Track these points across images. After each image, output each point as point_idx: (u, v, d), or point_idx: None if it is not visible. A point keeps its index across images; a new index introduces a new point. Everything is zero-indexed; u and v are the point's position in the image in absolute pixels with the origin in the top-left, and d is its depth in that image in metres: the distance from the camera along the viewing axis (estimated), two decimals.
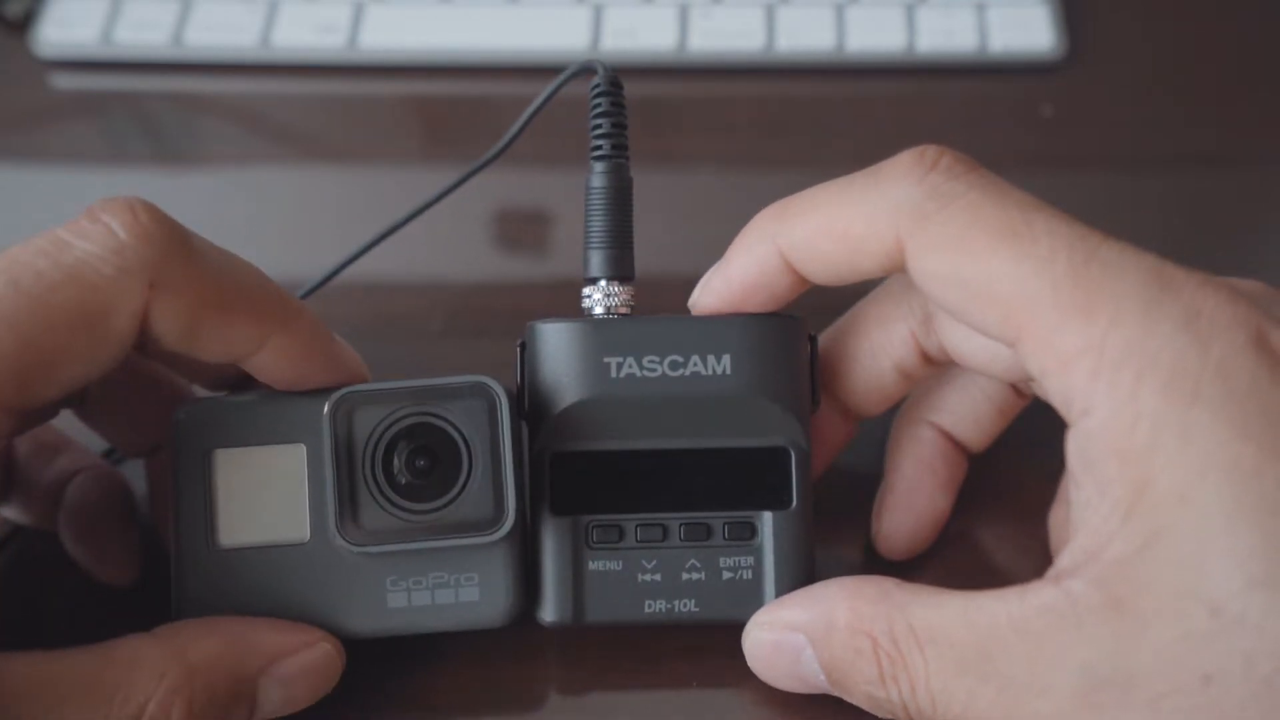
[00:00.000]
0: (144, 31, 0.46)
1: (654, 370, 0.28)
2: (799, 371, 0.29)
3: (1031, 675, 0.23)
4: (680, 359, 0.28)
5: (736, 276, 0.28)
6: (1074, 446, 0.24)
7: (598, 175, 0.30)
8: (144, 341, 0.26)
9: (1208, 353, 0.22)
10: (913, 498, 0.32)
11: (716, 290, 0.29)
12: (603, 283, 0.29)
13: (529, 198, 0.42)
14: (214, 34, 0.46)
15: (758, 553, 0.28)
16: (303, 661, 0.27)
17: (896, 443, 0.32)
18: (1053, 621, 0.23)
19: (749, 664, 0.28)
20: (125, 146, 0.45)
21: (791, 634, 0.27)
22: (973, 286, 0.25)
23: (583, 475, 0.29)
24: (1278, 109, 0.45)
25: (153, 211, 0.25)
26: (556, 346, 0.28)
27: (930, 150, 0.26)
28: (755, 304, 0.28)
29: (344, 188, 0.43)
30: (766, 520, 0.28)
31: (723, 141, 0.44)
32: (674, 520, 0.29)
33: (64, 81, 0.47)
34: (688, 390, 0.28)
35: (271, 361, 0.27)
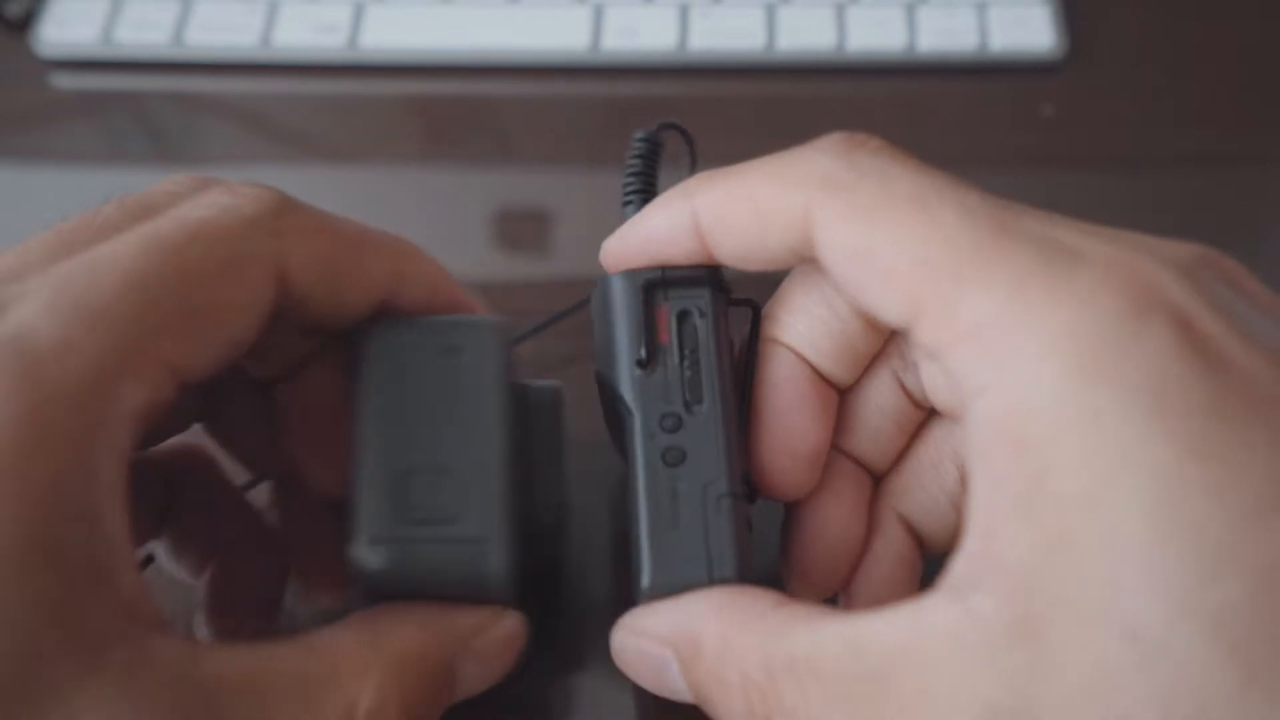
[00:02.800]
0: (144, 31, 0.46)
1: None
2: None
3: (926, 706, 0.20)
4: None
5: (647, 232, 0.27)
6: (970, 433, 0.21)
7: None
8: (288, 300, 0.25)
9: (1121, 331, 0.20)
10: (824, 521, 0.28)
11: (624, 241, 0.27)
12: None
13: (529, 198, 0.43)
14: (214, 34, 0.46)
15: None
16: (497, 635, 0.26)
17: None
18: (953, 646, 0.20)
19: (616, 663, 0.26)
20: (125, 146, 0.45)
21: (657, 647, 0.24)
22: (873, 258, 0.23)
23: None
24: (1278, 109, 0.45)
25: (244, 183, 0.25)
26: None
27: (860, 134, 0.24)
28: (655, 262, 0.27)
29: (344, 188, 0.43)
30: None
31: (723, 141, 0.44)
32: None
33: (64, 81, 0.47)
34: None
35: (412, 293, 0.26)
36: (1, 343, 0.20)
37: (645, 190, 0.31)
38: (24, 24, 0.47)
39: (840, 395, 0.28)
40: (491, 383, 0.26)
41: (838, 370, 0.27)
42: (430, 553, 0.25)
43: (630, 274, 0.27)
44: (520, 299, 0.39)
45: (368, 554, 0.25)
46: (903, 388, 0.27)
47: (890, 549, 0.28)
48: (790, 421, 0.27)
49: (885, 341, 0.27)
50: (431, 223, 0.42)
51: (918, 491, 0.28)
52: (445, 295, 0.27)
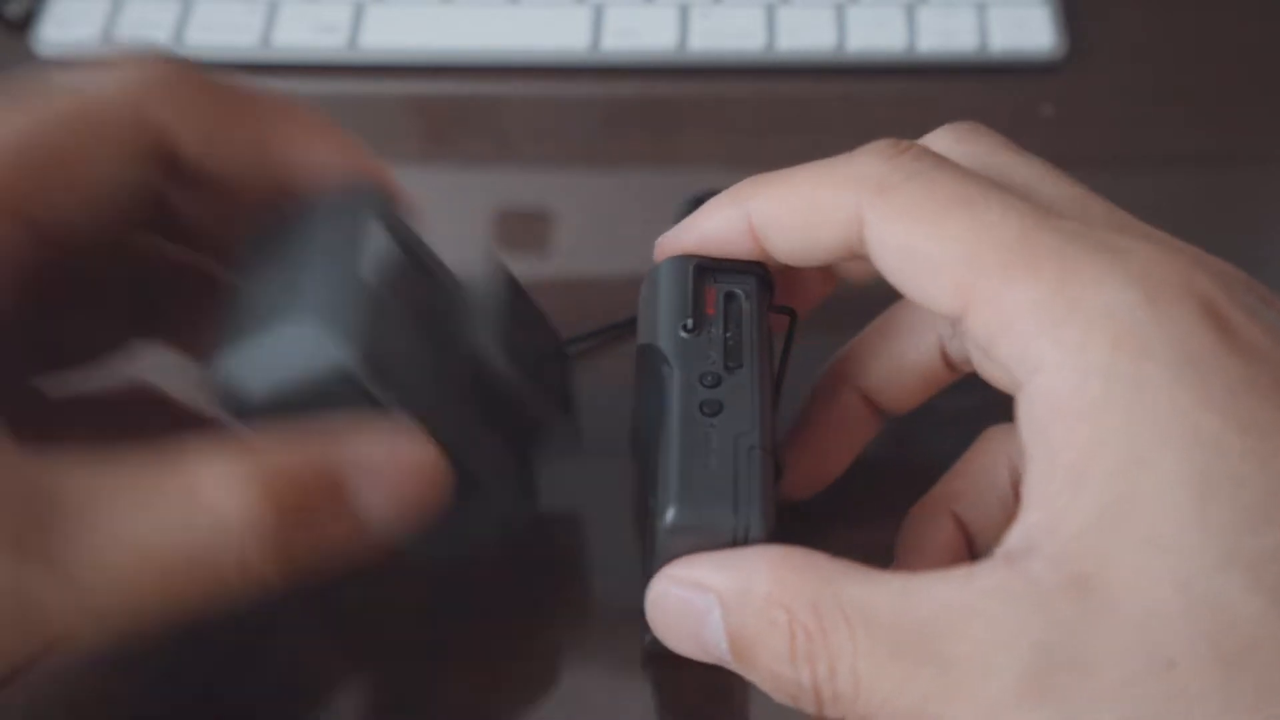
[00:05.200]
0: (144, 31, 0.46)
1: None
2: None
3: (976, 659, 0.21)
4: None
5: (701, 232, 0.28)
6: (1023, 411, 0.23)
7: None
8: (164, 153, 0.25)
9: (1158, 314, 0.22)
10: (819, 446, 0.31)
11: (681, 239, 0.29)
12: None
13: (529, 198, 0.43)
14: (214, 34, 0.46)
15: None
16: (400, 456, 0.24)
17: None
18: (1007, 603, 0.21)
19: (648, 616, 0.26)
20: None
21: (701, 593, 0.24)
22: (922, 255, 0.24)
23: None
24: (1278, 109, 0.45)
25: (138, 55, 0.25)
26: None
27: (906, 141, 0.26)
28: (709, 255, 0.28)
29: None
30: None
31: (723, 141, 0.44)
32: None
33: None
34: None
35: (316, 154, 0.27)
36: None
37: None
38: (24, 24, 0.47)
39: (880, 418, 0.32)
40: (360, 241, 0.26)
41: (895, 404, 0.31)
42: (266, 347, 0.24)
43: (682, 257, 0.28)
44: None
45: (219, 374, 0.24)
46: (943, 352, 0.30)
47: (943, 545, 0.29)
48: (829, 445, 0.31)
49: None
50: (431, 223, 0.42)
51: (973, 494, 0.29)
52: (351, 162, 0.28)
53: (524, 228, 0.42)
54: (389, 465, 0.24)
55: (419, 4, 0.47)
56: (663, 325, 0.27)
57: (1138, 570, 0.21)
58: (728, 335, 0.27)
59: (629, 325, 0.37)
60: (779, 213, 0.27)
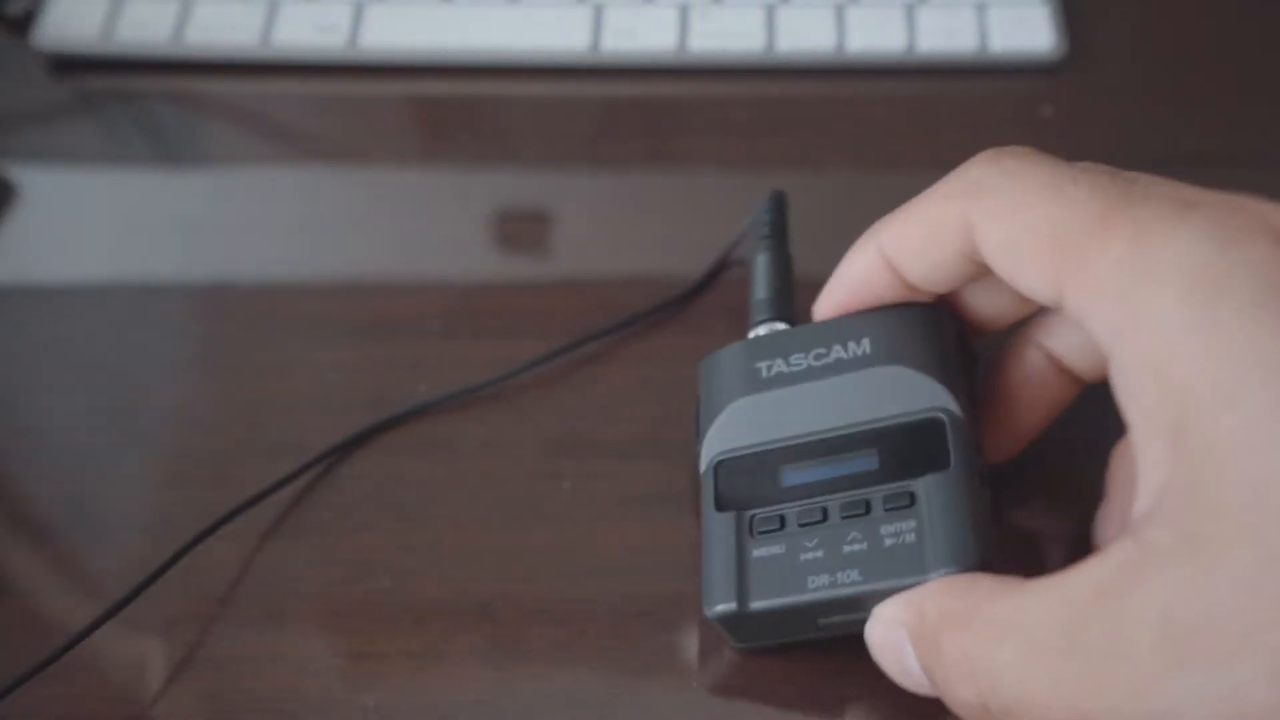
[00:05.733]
0: (144, 31, 0.46)
1: (800, 364, 0.30)
2: (941, 341, 0.29)
3: (1113, 639, 0.21)
4: (823, 350, 0.30)
5: (844, 280, 0.30)
6: (1116, 380, 0.23)
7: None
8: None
9: (1229, 255, 0.22)
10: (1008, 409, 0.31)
11: (831, 293, 0.30)
12: (766, 324, 0.32)
13: (529, 198, 0.43)
14: (214, 33, 0.46)
15: (919, 516, 0.27)
16: None
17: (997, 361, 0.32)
18: (1131, 576, 0.21)
19: (874, 659, 0.27)
20: (125, 146, 0.45)
21: (895, 629, 0.26)
22: (1020, 245, 0.25)
23: (745, 474, 0.29)
24: (1277, 109, 0.45)
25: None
26: (715, 368, 0.31)
27: (1014, 145, 0.27)
28: (864, 305, 0.30)
29: (344, 188, 0.43)
30: (924, 485, 0.28)
31: (723, 141, 0.44)
32: (834, 501, 0.28)
33: (64, 81, 0.47)
34: (833, 373, 0.29)
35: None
36: None
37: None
38: (24, 24, 0.47)
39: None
40: None
41: (1081, 367, 0.30)
42: None
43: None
44: (520, 299, 0.39)
45: None
46: None
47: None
48: (1020, 407, 0.30)
49: None
50: (431, 223, 0.42)
51: None
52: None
53: (524, 228, 0.42)
54: None
55: (419, 4, 0.47)
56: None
57: (1238, 513, 0.20)
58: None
59: (629, 325, 0.38)
60: (903, 237, 0.28)
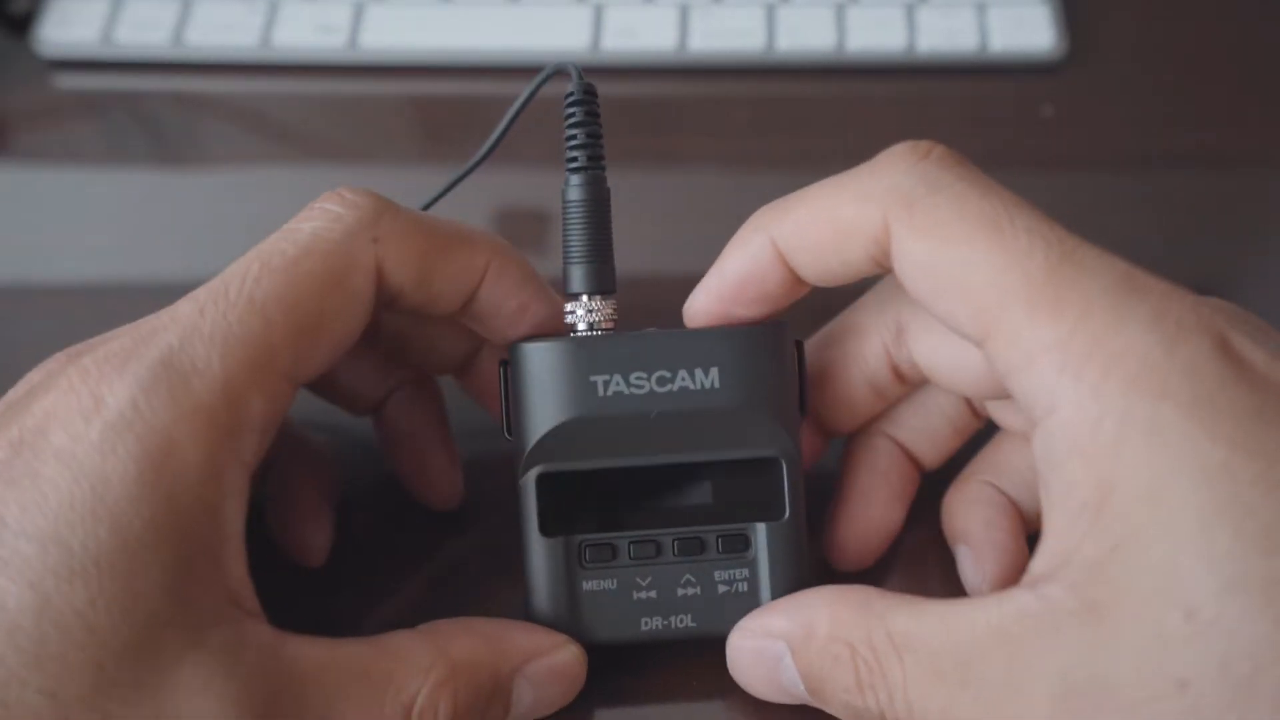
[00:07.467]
0: (144, 31, 0.46)
1: (641, 387, 0.27)
2: (787, 380, 0.28)
3: (1009, 682, 0.23)
4: (668, 374, 0.27)
5: (730, 272, 0.28)
6: (1040, 446, 0.24)
7: (574, 188, 0.29)
8: (384, 297, 0.27)
9: (1174, 353, 0.22)
10: (866, 508, 0.31)
11: (710, 287, 0.28)
12: (584, 298, 0.29)
13: (529, 197, 0.42)
14: (214, 34, 0.46)
15: (752, 565, 0.28)
16: (553, 662, 0.27)
17: (851, 453, 0.32)
18: (1030, 627, 0.23)
19: (730, 671, 0.28)
20: (125, 146, 0.45)
21: (772, 641, 0.26)
22: (949, 275, 0.24)
23: (571, 495, 0.28)
24: (1278, 109, 0.45)
25: (355, 189, 0.27)
26: (541, 366, 0.28)
27: (924, 143, 0.26)
28: (748, 301, 0.28)
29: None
30: (760, 531, 0.28)
31: (723, 141, 0.44)
32: (667, 536, 0.28)
33: (64, 81, 0.47)
34: (677, 405, 0.27)
35: (498, 290, 0.28)
36: (156, 365, 0.24)
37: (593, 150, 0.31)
38: (24, 24, 0.47)
39: (918, 472, 0.32)
40: None
41: (931, 453, 0.31)
42: None
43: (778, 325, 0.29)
44: None
45: None
46: (890, 362, 0.30)
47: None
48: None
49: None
50: None
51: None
52: (531, 290, 0.29)
53: (524, 228, 0.42)
54: (543, 669, 0.27)
55: (419, 4, 0.47)
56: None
57: (1148, 597, 0.21)
58: None
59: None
60: (806, 233, 0.27)
